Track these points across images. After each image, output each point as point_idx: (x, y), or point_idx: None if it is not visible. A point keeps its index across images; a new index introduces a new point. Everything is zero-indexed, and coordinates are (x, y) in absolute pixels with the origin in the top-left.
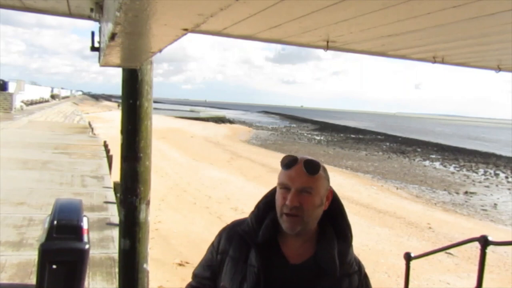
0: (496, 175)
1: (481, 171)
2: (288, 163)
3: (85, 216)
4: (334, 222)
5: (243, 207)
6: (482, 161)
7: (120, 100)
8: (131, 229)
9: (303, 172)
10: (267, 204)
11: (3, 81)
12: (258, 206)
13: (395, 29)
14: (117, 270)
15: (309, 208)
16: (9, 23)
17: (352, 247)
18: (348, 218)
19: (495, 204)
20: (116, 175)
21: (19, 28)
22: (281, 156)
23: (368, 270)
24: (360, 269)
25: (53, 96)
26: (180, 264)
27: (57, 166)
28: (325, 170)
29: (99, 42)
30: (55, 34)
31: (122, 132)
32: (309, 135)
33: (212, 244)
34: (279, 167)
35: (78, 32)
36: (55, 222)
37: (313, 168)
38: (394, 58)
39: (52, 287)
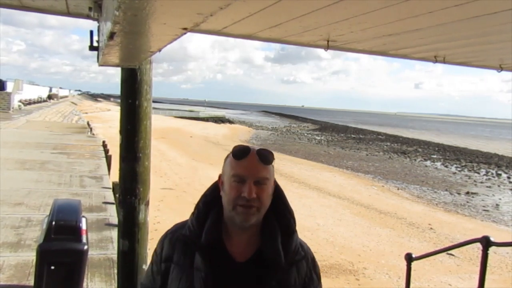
0: (498, 175)
1: (483, 171)
2: (241, 153)
3: (83, 216)
4: (276, 210)
5: None
6: (484, 161)
7: (119, 100)
8: (130, 229)
9: (258, 162)
10: (206, 203)
11: (1, 80)
12: (197, 207)
13: (396, 28)
14: (116, 271)
15: (265, 199)
16: (10, 24)
17: (297, 233)
18: (289, 204)
19: (497, 205)
20: (115, 176)
21: (21, 28)
22: (281, 156)
23: (369, 271)
24: (306, 254)
25: (50, 96)
26: None
27: (55, 166)
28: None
29: (97, 42)
30: (56, 34)
31: (121, 132)
32: (309, 135)
33: (155, 252)
34: (279, 167)
35: (79, 32)
36: (53, 223)
37: (267, 158)
38: (395, 57)
39: None
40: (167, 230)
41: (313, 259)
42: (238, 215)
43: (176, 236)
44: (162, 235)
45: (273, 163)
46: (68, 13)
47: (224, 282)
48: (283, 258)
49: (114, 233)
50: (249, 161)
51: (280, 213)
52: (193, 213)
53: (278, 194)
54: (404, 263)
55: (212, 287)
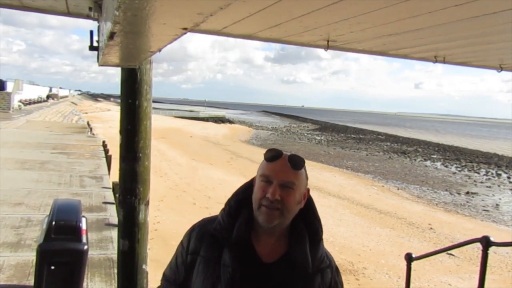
0: (498, 175)
1: (483, 171)
2: (273, 156)
3: (83, 216)
4: (305, 218)
5: None
6: (484, 161)
7: (119, 100)
8: (130, 229)
9: (287, 166)
10: (238, 202)
11: (1, 80)
12: (229, 204)
13: (396, 28)
14: (116, 271)
15: (290, 204)
16: (11, 24)
17: (323, 242)
18: (318, 214)
19: (497, 205)
20: (115, 176)
21: (21, 28)
22: None
23: (369, 271)
24: (331, 263)
25: (50, 96)
26: None
27: (55, 166)
28: (305, 168)
29: (97, 42)
30: (56, 34)
31: (121, 132)
32: (309, 135)
33: (181, 243)
34: None
35: (79, 32)
36: (53, 223)
37: (297, 163)
38: (395, 57)
39: None
40: (194, 224)
41: (337, 268)
42: (261, 214)
43: (205, 230)
44: (189, 228)
45: (304, 170)
46: (68, 13)
47: (250, 280)
48: (310, 264)
49: (114, 233)
50: (279, 164)
51: (308, 221)
52: (223, 209)
53: (310, 205)
54: (404, 263)
55: (238, 284)
